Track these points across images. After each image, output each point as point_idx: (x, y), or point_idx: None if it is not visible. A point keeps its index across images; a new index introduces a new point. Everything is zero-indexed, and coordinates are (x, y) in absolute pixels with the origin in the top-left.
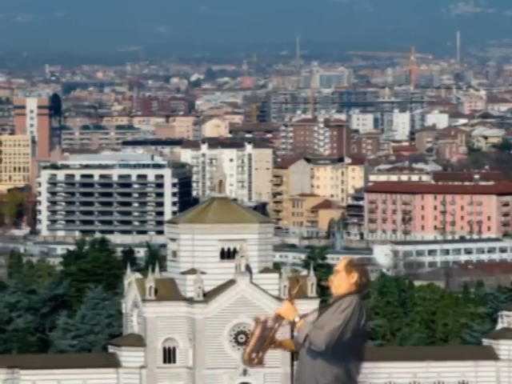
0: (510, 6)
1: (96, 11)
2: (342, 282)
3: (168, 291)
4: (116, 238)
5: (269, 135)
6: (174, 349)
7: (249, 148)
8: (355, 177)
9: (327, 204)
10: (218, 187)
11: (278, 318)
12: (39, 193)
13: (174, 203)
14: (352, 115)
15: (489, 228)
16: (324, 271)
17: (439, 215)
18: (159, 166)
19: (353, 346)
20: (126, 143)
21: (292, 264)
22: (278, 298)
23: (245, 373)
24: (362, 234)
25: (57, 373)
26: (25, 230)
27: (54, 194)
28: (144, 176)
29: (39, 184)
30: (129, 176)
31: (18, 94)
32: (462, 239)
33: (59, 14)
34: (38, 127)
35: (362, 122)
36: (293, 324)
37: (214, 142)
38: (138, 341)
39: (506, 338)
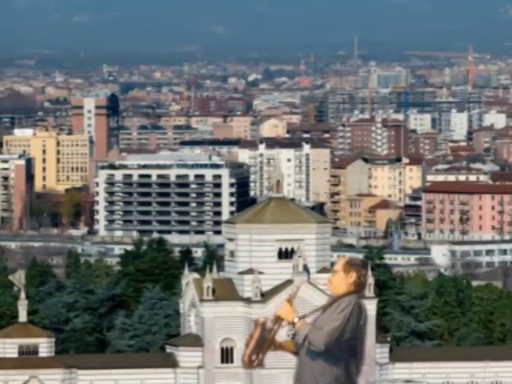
0: None
1: (154, 11)
2: (340, 282)
3: (226, 291)
4: (174, 238)
5: (326, 135)
6: (232, 349)
7: (306, 148)
8: (413, 177)
9: (385, 204)
10: (276, 187)
11: (278, 320)
12: (97, 193)
13: (231, 203)
14: (410, 115)
15: None
16: (382, 271)
17: (497, 215)
18: (217, 166)
19: (352, 346)
20: (184, 143)
21: None
22: None
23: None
24: (419, 234)
25: (114, 373)
26: (82, 230)
27: (111, 194)
28: (202, 176)
29: (97, 184)
30: (186, 176)
31: (76, 94)
32: None
33: (117, 14)
34: (96, 127)
35: (420, 122)
36: (292, 325)
37: (272, 142)
38: (195, 341)
39: None
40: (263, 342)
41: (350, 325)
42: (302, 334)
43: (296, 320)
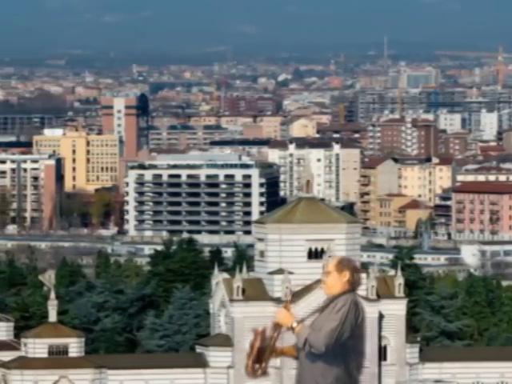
0: None
1: (183, 11)
2: (334, 282)
3: (255, 291)
4: (203, 238)
5: (356, 135)
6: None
7: (336, 148)
8: (443, 177)
9: (415, 204)
10: (306, 187)
11: (276, 326)
12: (127, 193)
13: (261, 203)
14: (440, 115)
15: None
16: (411, 271)
17: None
18: (247, 166)
19: (352, 345)
20: (214, 143)
21: (379, 264)
22: (366, 298)
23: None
24: (449, 234)
25: (144, 373)
26: (112, 230)
27: (141, 194)
28: (231, 176)
29: (127, 184)
30: (216, 176)
31: (106, 94)
32: None
33: (147, 14)
34: (126, 127)
35: (450, 122)
36: (292, 330)
37: (302, 142)
38: (225, 341)
39: None
40: (264, 351)
41: (347, 324)
42: (302, 337)
43: (295, 325)
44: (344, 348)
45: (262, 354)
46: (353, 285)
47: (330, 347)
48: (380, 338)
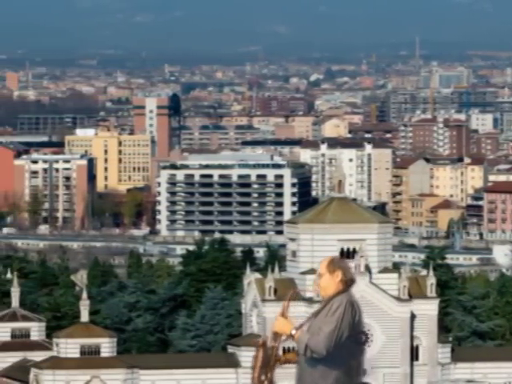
0: None
1: (215, 11)
2: (328, 284)
3: (287, 291)
4: (235, 238)
5: (388, 135)
6: (294, 349)
7: (368, 148)
8: (475, 177)
9: (447, 204)
10: (338, 187)
11: (276, 336)
12: (158, 193)
13: (293, 203)
14: (471, 115)
15: None
16: (443, 271)
17: None
18: (279, 166)
19: (351, 345)
20: (246, 143)
21: (411, 264)
22: (398, 298)
23: (363, 373)
24: (481, 234)
25: (176, 373)
26: (144, 230)
27: (173, 194)
28: (263, 176)
29: (158, 184)
30: (248, 176)
31: (138, 94)
32: None
33: (178, 14)
34: (158, 127)
35: (482, 121)
36: (291, 337)
37: (334, 142)
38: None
39: None
40: (268, 361)
41: (345, 324)
42: (303, 343)
43: (293, 332)
44: (343, 348)
45: (266, 366)
46: (346, 284)
47: (330, 350)
48: (412, 338)
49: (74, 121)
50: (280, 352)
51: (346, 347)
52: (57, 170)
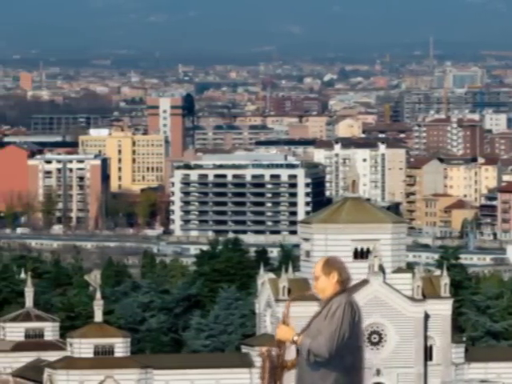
0: None
1: (229, 11)
2: (325, 286)
3: (301, 291)
4: (249, 238)
5: (402, 135)
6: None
7: (382, 148)
8: (488, 177)
9: (460, 204)
10: (352, 187)
11: (280, 344)
12: (172, 193)
13: (307, 203)
14: (485, 115)
15: None
16: (457, 271)
17: None
18: (292, 166)
19: (350, 346)
20: (260, 143)
21: (425, 264)
22: (412, 299)
23: (378, 373)
24: (495, 234)
25: (190, 373)
26: (158, 230)
27: (187, 194)
28: (277, 176)
29: (172, 184)
30: (262, 176)
31: (152, 94)
32: None
33: (192, 14)
34: (172, 127)
35: (496, 122)
36: (294, 343)
37: (348, 142)
38: (271, 341)
39: None
40: (275, 370)
41: (345, 326)
42: (305, 348)
43: (296, 338)
44: (343, 350)
45: (274, 374)
46: (343, 284)
47: (333, 352)
48: (426, 338)
49: (87, 121)
50: (286, 358)
51: (347, 348)
52: (71, 170)
